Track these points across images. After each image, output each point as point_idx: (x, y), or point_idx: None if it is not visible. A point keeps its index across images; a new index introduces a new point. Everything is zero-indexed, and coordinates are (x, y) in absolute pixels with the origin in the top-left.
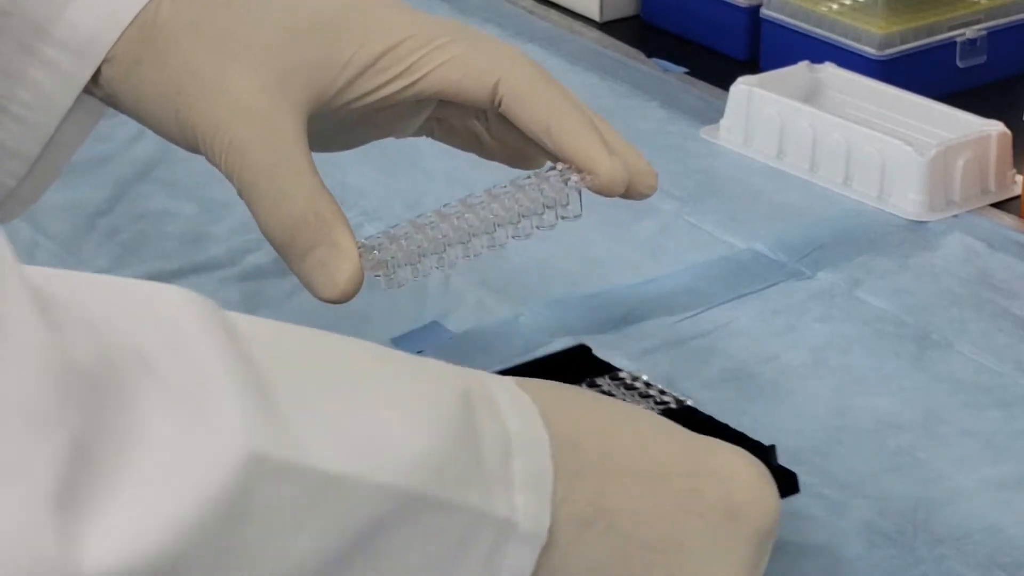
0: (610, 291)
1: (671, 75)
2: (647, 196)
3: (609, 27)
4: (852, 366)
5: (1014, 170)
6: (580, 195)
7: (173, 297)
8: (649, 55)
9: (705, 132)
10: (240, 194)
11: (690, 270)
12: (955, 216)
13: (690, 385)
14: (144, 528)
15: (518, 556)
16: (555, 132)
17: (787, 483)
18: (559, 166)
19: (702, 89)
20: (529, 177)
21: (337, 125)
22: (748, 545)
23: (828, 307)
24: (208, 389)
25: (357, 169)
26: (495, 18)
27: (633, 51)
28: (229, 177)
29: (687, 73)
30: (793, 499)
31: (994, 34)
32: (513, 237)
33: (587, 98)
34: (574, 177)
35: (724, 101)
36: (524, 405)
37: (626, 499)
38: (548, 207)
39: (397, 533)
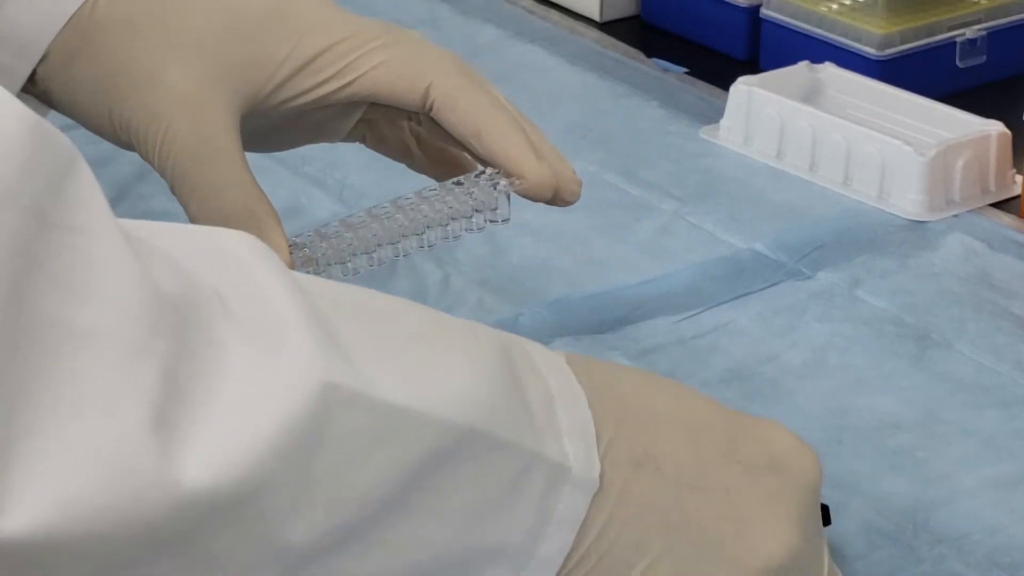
0: (610, 291)
1: (671, 75)
2: (570, 203)
3: (609, 27)
4: (852, 366)
5: (1014, 170)
6: (509, 199)
7: (239, 241)
8: (649, 55)
9: (705, 132)
10: (172, 187)
11: (690, 270)
12: (955, 216)
13: (690, 385)
14: (233, 448)
15: (571, 501)
16: (484, 136)
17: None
18: (488, 170)
19: (702, 89)
20: (459, 181)
21: (269, 125)
22: (794, 497)
23: (828, 307)
24: (280, 323)
25: (357, 170)
26: (495, 18)
27: (633, 51)
28: (162, 170)
29: (687, 73)
30: None
31: (994, 34)
32: (443, 239)
33: (587, 98)
34: (503, 182)
35: (724, 101)
36: (558, 363)
37: (670, 445)
38: (477, 211)
39: (455, 470)
